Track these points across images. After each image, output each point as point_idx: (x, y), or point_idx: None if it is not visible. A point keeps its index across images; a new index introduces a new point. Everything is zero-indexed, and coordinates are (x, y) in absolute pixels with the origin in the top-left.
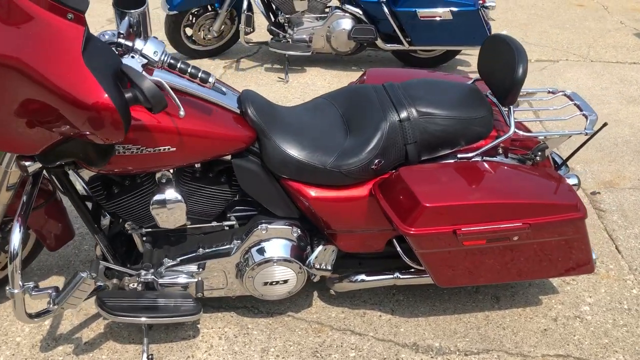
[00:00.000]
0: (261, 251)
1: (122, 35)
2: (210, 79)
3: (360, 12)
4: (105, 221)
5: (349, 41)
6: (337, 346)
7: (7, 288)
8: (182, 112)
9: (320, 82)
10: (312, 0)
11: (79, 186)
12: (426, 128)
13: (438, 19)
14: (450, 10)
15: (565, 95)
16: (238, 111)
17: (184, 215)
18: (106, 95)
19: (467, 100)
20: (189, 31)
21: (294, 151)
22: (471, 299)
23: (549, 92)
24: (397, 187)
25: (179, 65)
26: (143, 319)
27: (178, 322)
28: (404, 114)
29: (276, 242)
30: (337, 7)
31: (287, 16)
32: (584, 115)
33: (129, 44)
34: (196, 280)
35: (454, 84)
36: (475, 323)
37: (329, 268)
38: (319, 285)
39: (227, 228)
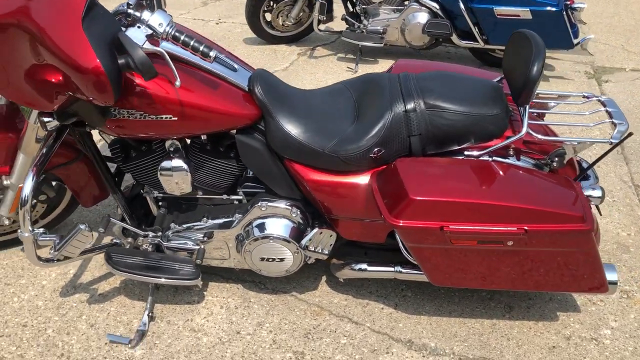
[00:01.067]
0: (260, 227)
1: (131, 6)
2: (212, 53)
3: (437, 7)
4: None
5: (422, 35)
6: (331, 331)
7: (19, 231)
8: (177, 82)
9: None
10: None
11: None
12: (433, 121)
13: (516, 18)
14: (530, 10)
15: (599, 101)
16: (246, 88)
17: (189, 184)
18: (98, 60)
19: (483, 96)
20: (268, 16)
21: (296, 132)
22: (482, 305)
23: (584, 96)
24: (390, 177)
25: (182, 37)
26: (142, 277)
27: (176, 284)
28: (410, 105)
29: (275, 220)
30: (414, 0)
31: (364, 6)
32: (612, 123)
33: (138, 14)
34: (199, 247)
35: (476, 79)
36: (479, 329)
37: (326, 252)
38: (328, 270)
39: (236, 202)
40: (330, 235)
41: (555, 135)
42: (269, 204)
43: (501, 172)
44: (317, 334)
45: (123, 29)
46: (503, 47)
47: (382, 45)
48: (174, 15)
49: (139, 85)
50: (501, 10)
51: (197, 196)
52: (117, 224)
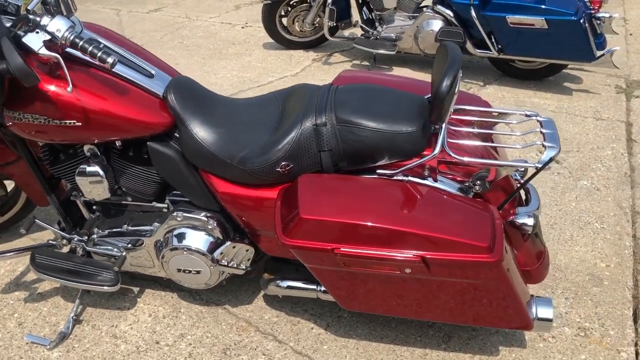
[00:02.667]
0: (175, 238)
1: (30, 12)
2: (109, 59)
3: (451, 14)
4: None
5: (435, 43)
6: (251, 348)
7: None
8: (69, 89)
9: None
10: None
11: None
12: (343, 137)
13: (531, 27)
14: (546, 19)
15: (538, 120)
16: (160, 95)
17: (105, 189)
18: None
19: (402, 113)
20: (286, 21)
21: (208, 142)
22: (419, 332)
23: (526, 115)
24: (291, 193)
25: (80, 43)
26: (61, 280)
27: (93, 290)
28: (321, 119)
29: (190, 231)
30: (428, 7)
31: (379, 13)
32: (543, 145)
33: (37, 19)
34: (120, 254)
35: (403, 94)
36: (408, 358)
37: (242, 268)
38: None
39: (165, 210)
40: (247, 250)
41: (480, 156)
42: (185, 214)
43: (406, 194)
44: (237, 350)
45: (22, 33)
46: (522, 58)
47: (393, 52)
48: (204, 18)
49: (41, 90)
50: (514, 18)
51: (126, 202)
52: (44, 226)
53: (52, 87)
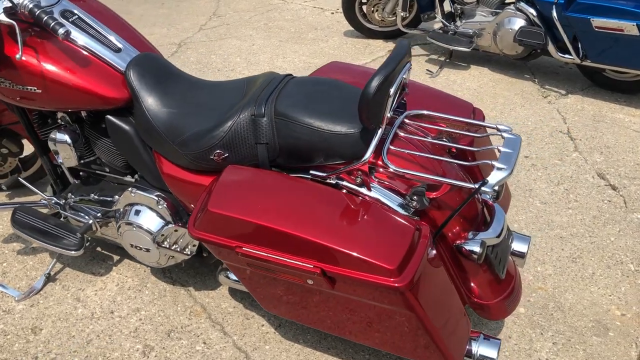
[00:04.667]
0: (127, 213)
1: None
2: (61, 30)
3: (534, 13)
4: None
5: (514, 44)
6: (195, 335)
7: None
8: (17, 56)
9: (473, 84)
10: None
11: None
12: (280, 131)
13: (619, 33)
14: (637, 25)
15: (502, 137)
16: (122, 69)
17: (73, 157)
18: None
19: (347, 113)
20: (366, 9)
21: (157, 121)
22: (370, 350)
23: (497, 129)
24: (213, 183)
25: (37, 12)
26: (31, 238)
27: (57, 251)
28: (260, 110)
29: (143, 209)
30: (511, 4)
31: (459, 6)
32: (492, 165)
33: None
34: (87, 221)
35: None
36: None
37: (187, 252)
38: None
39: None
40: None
41: (424, 169)
42: (139, 192)
43: (326, 200)
44: (180, 334)
45: None
46: (614, 67)
47: (469, 49)
48: (298, 2)
49: (7, 55)
50: (600, 22)
51: (103, 173)
52: (25, 185)
53: (15, 54)
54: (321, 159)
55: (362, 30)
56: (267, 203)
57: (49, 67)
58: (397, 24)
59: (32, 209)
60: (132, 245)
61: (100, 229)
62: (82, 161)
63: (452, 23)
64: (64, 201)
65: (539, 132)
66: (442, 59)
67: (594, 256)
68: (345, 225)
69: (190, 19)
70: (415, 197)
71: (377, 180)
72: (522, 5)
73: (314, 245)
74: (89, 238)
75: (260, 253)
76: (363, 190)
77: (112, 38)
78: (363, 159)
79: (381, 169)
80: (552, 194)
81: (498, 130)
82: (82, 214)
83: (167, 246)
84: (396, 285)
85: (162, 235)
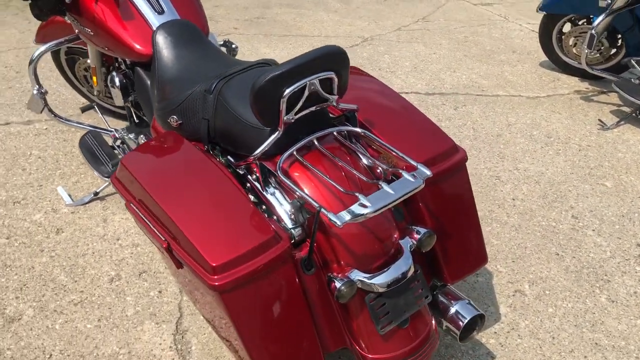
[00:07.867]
0: None
1: None
2: None
3: None
4: None
5: None
6: (157, 282)
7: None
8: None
9: None
10: None
11: None
12: (217, 111)
13: None
14: None
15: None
16: (154, 28)
17: (119, 97)
18: None
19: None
20: (564, 40)
21: (161, 81)
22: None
23: (416, 167)
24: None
25: None
26: (85, 160)
27: (96, 175)
28: (210, 87)
29: None
30: None
31: None
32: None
33: None
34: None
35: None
36: None
37: None
38: None
39: None
40: None
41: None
42: (146, 140)
43: (210, 185)
44: (148, 277)
45: None
46: None
47: None
48: (520, 22)
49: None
50: None
51: (144, 119)
52: (98, 113)
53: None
54: (238, 147)
55: (556, 62)
56: (161, 172)
57: (102, 14)
58: (602, 64)
59: (100, 135)
60: None
61: None
62: (126, 103)
63: None
64: (121, 135)
65: None
66: (628, 111)
67: None
68: (208, 212)
69: (398, 18)
70: (292, 210)
71: (275, 183)
72: None
73: (168, 220)
74: None
75: (138, 213)
76: (259, 187)
77: (162, 1)
78: (253, 154)
79: (278, 172)
80: None
81: (415, 168)
82: (123, 150)
83: None
84: (210, 282)
85: None
